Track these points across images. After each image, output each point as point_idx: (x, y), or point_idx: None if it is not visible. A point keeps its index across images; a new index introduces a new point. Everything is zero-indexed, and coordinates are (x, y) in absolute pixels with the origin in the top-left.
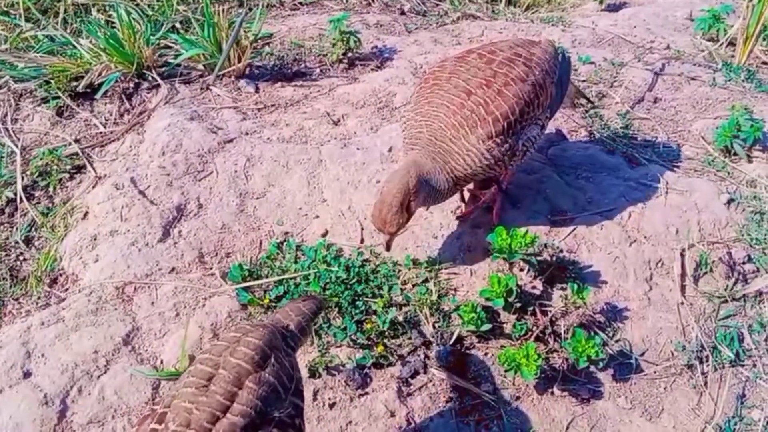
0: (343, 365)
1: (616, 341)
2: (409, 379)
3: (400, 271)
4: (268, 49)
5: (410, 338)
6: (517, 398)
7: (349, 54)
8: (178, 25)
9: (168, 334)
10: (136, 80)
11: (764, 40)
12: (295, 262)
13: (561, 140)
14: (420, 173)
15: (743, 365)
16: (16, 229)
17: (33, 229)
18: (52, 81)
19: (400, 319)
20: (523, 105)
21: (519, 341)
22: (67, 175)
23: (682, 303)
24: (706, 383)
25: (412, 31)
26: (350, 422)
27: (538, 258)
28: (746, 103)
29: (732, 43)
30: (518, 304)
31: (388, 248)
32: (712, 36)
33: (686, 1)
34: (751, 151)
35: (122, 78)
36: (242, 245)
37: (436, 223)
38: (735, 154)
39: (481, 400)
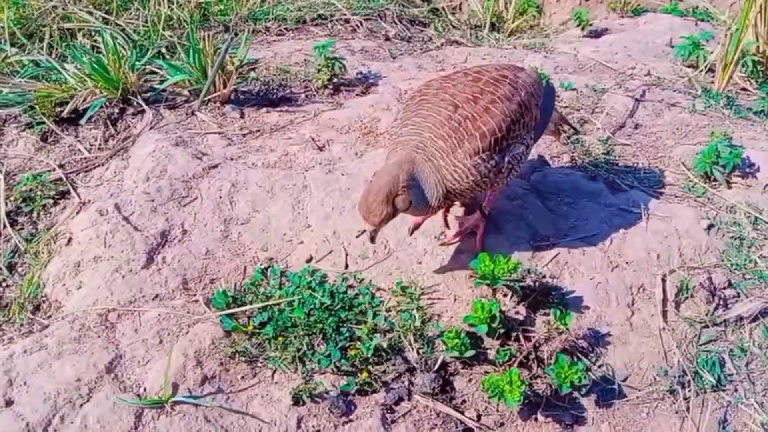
0: (327, 392)
1: (599, 367)
2: (393, 406)
3: (383, 296)
4: (253, 75)
5: (394, 365)
6: (501, 425)
7: (335, 80)
8: (163, 50)
9: (151, 362)
10: (121, 106)
11: (743, 66)
12: (280, 289)
13: (543, 166)
14: (412, 170)
15: (725, 390)
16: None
17: (16, 255)
18: (36, 106)
19: (384, 345)
20: (509, 123)
21: (503, 367)
22: (51, 201)
23: (664, 328)
24: (688, 408)
25: (396, 57)
26: None
27: (521, 284)
28: (725, 129)
29: (711, 70)
30: (502, 330)
31: (372, 240)
32: (692, 63)
33: (666, 28)
34: (731, 177)
35: (107, 103)
36: (226, 271)
37: (420, 248)
38: (715, 180)
39: (466, 427)
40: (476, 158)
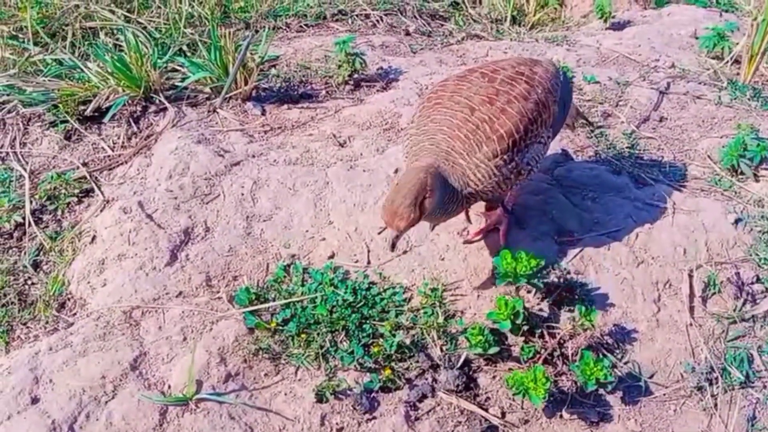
0: (351, 389)
1: (625, 363)
2: (417, 403)
3: (406, 293)
4: (274, 72)
5: (418, 361)
6: (526, 422)
7: (355, 75)
8: (185, 48)
9: (175, 359)
10: (144, 103)
11: None
12: (302, 285)
13: (566, 160)
14: (437, 173)
15: (753, 387)
16: (25, 253)
17: (41, 253)
18: (60, 105)
19: (407, 342)
20: (527, 123)
21: (527, 364)
22: (75, 199)
23: (691, 324)
24: (716, 405)
25: (417, 52)
26: None
27: (545, 280)
28: (752, 121)
29: (737, 61)
30: (526, 327)
31: (393, 248)
32: (717, 54)
33: (690, 20)
34: (758, 170)
35: (130, 101)
36: (249, 268)
37: (442, 244)
38: (742, 173)
39: (490, 424)
40: (497, 160)
